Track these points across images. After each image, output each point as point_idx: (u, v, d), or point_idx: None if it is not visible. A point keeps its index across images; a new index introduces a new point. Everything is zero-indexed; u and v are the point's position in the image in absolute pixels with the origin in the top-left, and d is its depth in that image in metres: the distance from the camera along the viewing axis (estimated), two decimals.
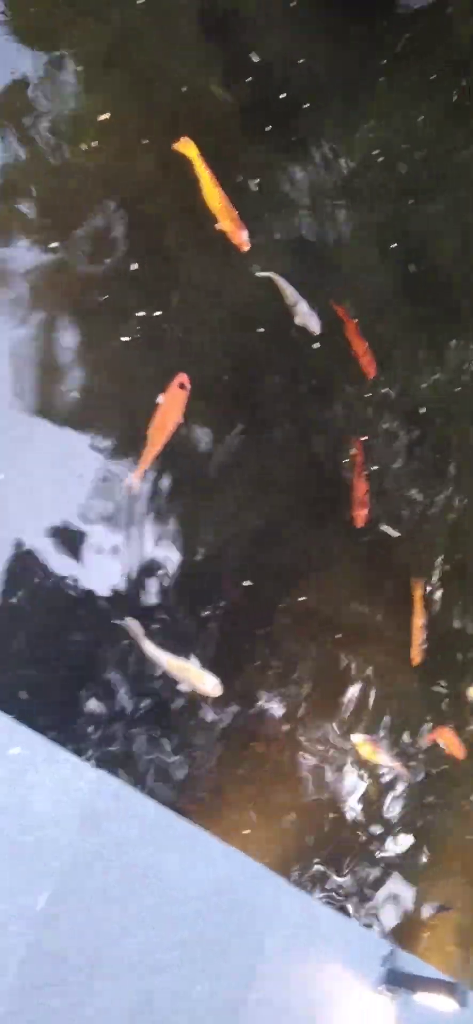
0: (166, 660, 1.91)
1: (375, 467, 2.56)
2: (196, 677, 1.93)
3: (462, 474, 2.85)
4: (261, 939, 1.64)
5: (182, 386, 1.96)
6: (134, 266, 1.96)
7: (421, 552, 2.68)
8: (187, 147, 2.04)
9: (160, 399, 1.91)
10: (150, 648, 1.89)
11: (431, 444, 2.81)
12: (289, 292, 2.30)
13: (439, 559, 2.77)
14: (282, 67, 2.31)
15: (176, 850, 1.53)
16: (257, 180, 2.23)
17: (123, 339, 1.93)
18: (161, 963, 1.46)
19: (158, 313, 2.00)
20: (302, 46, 2.37)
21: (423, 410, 2.76)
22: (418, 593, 2.56)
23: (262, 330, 2.25)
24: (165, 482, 2.02)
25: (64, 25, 1.81)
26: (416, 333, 2.75)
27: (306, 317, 2.31)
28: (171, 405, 1.94)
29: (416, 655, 2.51)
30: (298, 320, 2.32)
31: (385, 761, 2.40)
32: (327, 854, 2.21)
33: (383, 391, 2.62)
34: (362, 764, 2.37)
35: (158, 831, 1.52)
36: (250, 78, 2.21)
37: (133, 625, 1.88)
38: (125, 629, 1.87)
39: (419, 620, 2.53)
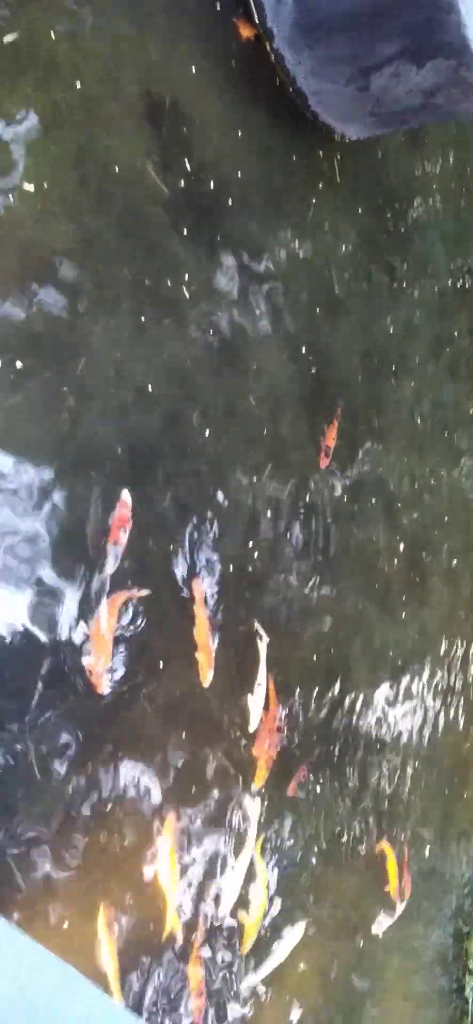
0: None
1: (258, 557, 2.63)
2: None
3: (337, 571, 2.98)
4: None
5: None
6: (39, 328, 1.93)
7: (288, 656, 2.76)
8: (197, 590, 2.32)
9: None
10: None
11: (311, 540, 2.93)
12: (262, 670, 2.50)
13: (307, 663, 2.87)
14: (216, 172, 2.39)
15: None
16: (185, 275, 2.28)
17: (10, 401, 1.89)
18: None
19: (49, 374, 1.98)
20: (239, 159, 2.47)
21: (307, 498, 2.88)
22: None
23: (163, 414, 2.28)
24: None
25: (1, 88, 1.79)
26: (309, 436, 2.87)
27: (255, 705, 2.47)
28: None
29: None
30: (250, 699, 2.48)
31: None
32: (157, 967, 2.18)
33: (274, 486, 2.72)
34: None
35: None
36: (183, 177, 2.27)
37: None
38: None
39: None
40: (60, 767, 1.99)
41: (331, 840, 3.01)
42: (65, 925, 1.92)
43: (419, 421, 3.65)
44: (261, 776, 2.55)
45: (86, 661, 2.01)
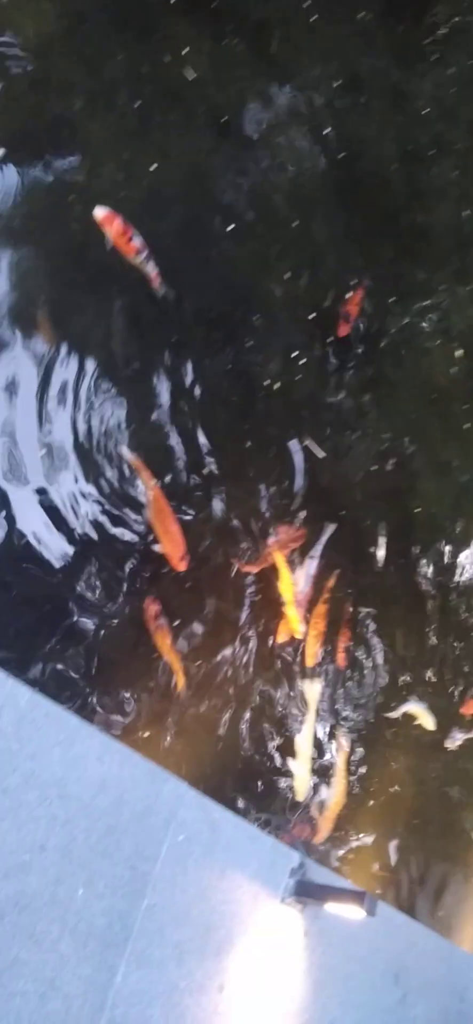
0: None
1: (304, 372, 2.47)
2: None
3: (391, 384, 2.78)
4: (157, 844, 1.56)
5: None
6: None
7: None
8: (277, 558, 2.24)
9: None
10: None
11: (360, 351, 2.73)
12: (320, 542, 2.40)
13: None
14: None
15: (58, 743, 1.43)
16: (184, 52, 2.04)
17: None
18: (35, 863, 1.36)
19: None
20: None
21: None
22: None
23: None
24: None
25: None
26: (346, 236, 2.63)
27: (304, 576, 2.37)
28: None
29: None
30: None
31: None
32: (236, 764, 2.15)
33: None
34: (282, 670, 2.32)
35: (37, 722, 1.41)
36: None
37: None
38: None
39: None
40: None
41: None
42: (147, 734, 1.93)
43: (464, 213, 3.32)
44: (312, 651, 2.43)
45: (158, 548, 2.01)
